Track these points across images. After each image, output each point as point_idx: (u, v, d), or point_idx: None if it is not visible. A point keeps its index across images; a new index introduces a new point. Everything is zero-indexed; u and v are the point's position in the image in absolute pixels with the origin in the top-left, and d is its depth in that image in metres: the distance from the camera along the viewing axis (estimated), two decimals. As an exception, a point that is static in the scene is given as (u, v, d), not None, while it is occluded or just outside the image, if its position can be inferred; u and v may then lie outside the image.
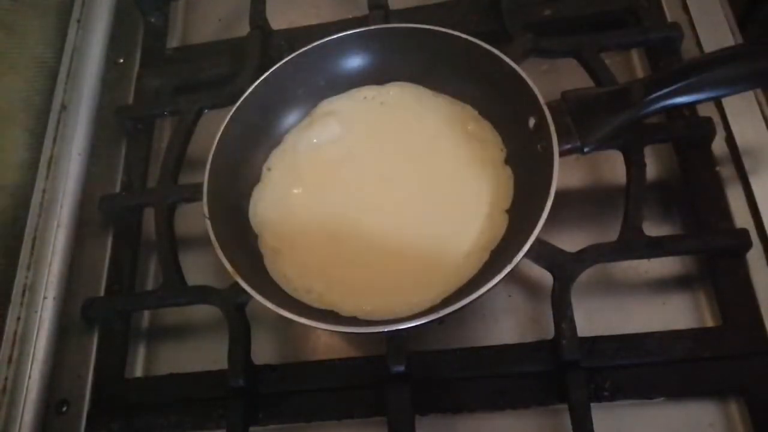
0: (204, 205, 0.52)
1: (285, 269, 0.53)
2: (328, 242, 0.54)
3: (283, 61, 0.58)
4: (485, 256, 0.50)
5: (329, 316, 0.50)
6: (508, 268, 0.44)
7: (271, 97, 0.59)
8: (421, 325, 0.44)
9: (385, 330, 0.46)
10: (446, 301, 0.48)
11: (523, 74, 0.52)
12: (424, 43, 0.57)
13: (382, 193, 0.55)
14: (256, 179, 0.58)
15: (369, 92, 0.60)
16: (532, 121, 0.51)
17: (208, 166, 0.53)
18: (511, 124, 0.54)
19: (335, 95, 0.61)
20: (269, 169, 0.58)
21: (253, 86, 0.57)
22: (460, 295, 0.46)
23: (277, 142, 0.60)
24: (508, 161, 0.54)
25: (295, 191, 0.57)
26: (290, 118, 0.61)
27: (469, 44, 0.55)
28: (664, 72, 0.54)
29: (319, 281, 0.52)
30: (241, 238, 0.54)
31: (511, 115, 0.54)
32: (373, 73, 0.60)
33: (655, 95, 0.48)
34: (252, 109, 0.57)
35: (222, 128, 0.55)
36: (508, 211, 0.52)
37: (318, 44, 0.58)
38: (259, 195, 0.57)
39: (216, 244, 0.49)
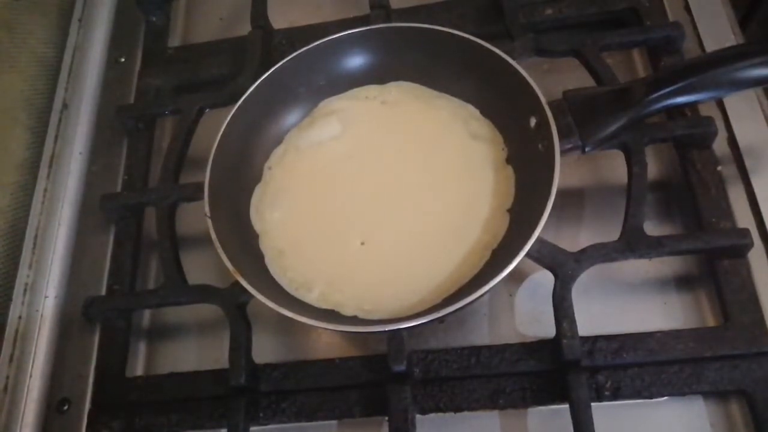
0: (205, 204, 0.52)
1: (286, 268, 0.53)
2: (328, 242, 0.54)
3: (285, 60, 0.58)
4: (486, 256, 0.50)
5: (330, 315, 0.50)
6: (509, 268, 0.44)
7: (272, 96, 0.59)
8: (421, 324, 0.44)
9: (386, 329, 0.46)
10: (447, 301, 0.48)
11: (525, 74, 0.52)
12: (426, 42, 0.57)
13: (382, 192, 0.55)
14: (257, 178, 0.58)
15: (370, 92, 0.60)
16: (533, 121, 0.51)
17: (209, 165, 0.53)
18: (512, 124, 0.54)
19: (336, 94, 0.61)
20: (270, 168, 0.58)
21: (255, 86, 0.57)
22: (461, 295, 0.46)
23: (278, 141, 0.60)
24: (509, 161, 0.54)
25: (296, 190, 0.57)
26: (291, 117, 0.61)
27: (471, 43, 0.55)
28: (665, 71, 0.54)
29: (320, 280, 0.52)
30: (242, 237, 0.54)
31: (512, 114, 0.54)
32: (374, 72, 0.60)
33: (656, 95, 0.48)
34: (253, 108, 0.57)
35: (223, 127, 0.55)
36: (509, 211, 0.52)
37: (319, 43, 0.58)
38: (260, 194, 0.57)
39: (217, 243, 0.49)
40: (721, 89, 0.48)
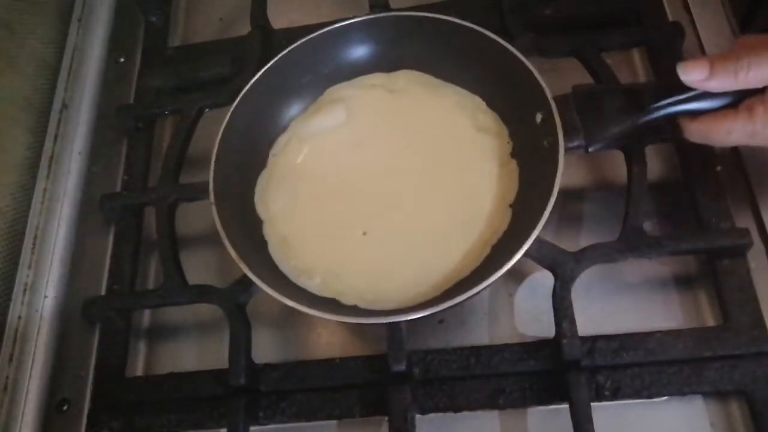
0: (210, 192, 0.52)
1: (289, 256, 0.53)
2: (331, 230, 0.54)
3: (291, 47, 0.58)
4: (486, 251, 0.50)
5: (330, 304, 0.50)
6: (508, 265, 0.44)
7: (278, 83, 0.58)
8: (420, 318, 0.44)
9: (383, 321, 0.46)
10: (447, 294, 0.48)
11: (532, 68, 0.51)
12: (434, 32, 0.57)
13: (387, 182, 0.55)
14: (263, 165, 0.58)
15: (377, 79, 0.60)
16: (539, 116, 0.51)
17: (214, 152, 0.53)
18: (518, 118, 0.54)
19: (343, 82, 0.61)
20: (275, 156, 0.58)
21: (261, 72, 0.57)
22: (460, 289, 0.46)
23: (283, 128, 0.60)
24: (514, 154, 0.54)
25: (300, 178, 0.57)
26: (297, 104, 0.60)
27: (480, 35, 0.54)
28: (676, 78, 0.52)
29: (322, 269, 0.52)
30: (245, 224, 0.54)
31: (518, 108, 0.53)
32: (381, 60, 0.60)
33: (667, 101, 0.46)
34: (259, 95, 0.57)
35: (229, 114, 0.55)
36: (511, 206, 0.52)
37: (326, 31, 0.58)
38: (264, 181, 0.57)
39: (221, 230, 0.49)
40: (735, 96, 0.45)
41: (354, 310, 0.49)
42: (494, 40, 0.54)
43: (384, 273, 0.51)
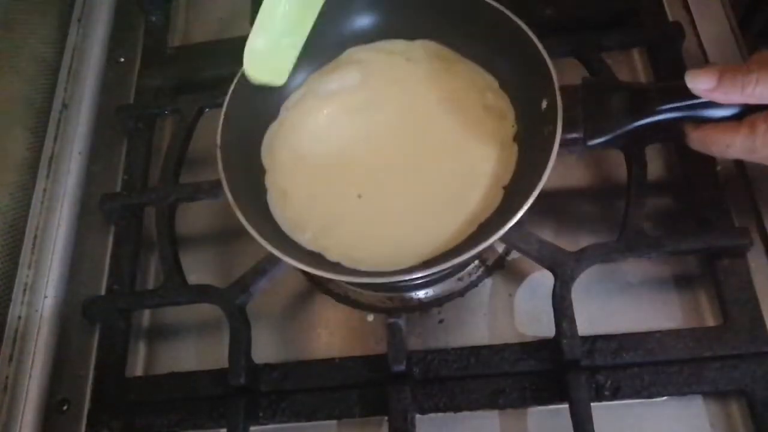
0: (218, 135, 0.52)
1: (285, 208, 0.54)
2: (328, 189, 0.54)
3: None
4: (473, 228, 0.50)
5: (315, 259, 0.50)
6: (488, 242, 0.44)
7: None
8: (396, 281, 0.45)
9: (354, 280, 0.48)
10: (425, 265, 0.48)
11: (545, 53, 0.51)
12: (458, 6, 0.57)
13: (389, 149, 0.56)
14: (274, 116, 0.58)
15: (396, 46, 0.60)
16: (544, 103, 0.50)
17: (228, 95, 0.54)
18: (526, 102, 0.54)
19: (364, 44, 0.61)
20: (287, 109, 0.59)
21: None
22: (438, 261, 0.46)
23: (299, 84, 0.60)
24: (516, 138, 0.54)
25: (307, 134, 0.57)
26: (315, 62, 0.60)
27: (502, 15, 0.54)
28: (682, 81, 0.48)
29: (314, 224, 0.53)
30: (249, 171, 0.55)
31: (527, 93, 0.53)
32: (404, 27, 0.60)
33: (671, 105, 0.46)
34: None
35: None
36: (505, 188, 0.52)
37: None
38: (273, 132, 0.58)
39: (222, 174, 0.50)
40: (741, 108, 0.44)
41: (336, 267, 0.50)
42: (512, 19, 0.53)
43: (371, 236, 0.52)
